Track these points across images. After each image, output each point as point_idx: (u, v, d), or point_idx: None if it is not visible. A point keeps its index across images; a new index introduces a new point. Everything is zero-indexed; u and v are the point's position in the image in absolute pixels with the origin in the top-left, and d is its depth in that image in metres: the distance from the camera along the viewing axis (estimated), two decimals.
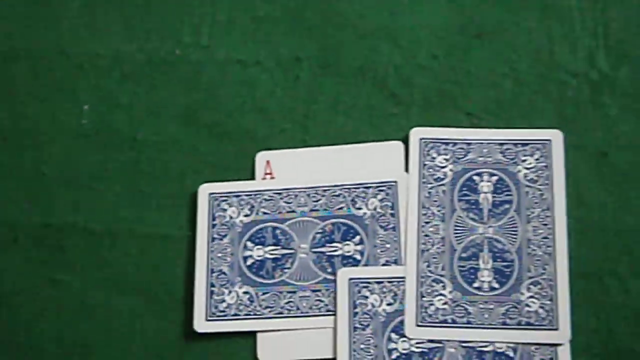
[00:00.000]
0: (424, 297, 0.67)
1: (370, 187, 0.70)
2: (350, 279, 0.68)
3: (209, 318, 0.69)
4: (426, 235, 0.68)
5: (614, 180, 0.69)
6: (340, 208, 0.70)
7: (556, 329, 0.66)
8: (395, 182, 0.70)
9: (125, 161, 0.73)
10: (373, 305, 0.68)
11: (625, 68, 0.71)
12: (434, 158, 0.70)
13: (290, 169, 0.71)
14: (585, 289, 0.67)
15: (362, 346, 0.67)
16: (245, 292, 0.69)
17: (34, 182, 0.73)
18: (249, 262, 0.69)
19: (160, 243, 0.71)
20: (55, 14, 0.76)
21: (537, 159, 0.69)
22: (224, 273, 0.69)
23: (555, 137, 0.69)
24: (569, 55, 0.71)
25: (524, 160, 0.69)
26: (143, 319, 0.70)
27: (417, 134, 0.71)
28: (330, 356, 0.68)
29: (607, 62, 0.71)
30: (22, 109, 0.75)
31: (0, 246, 0.72)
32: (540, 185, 0.69)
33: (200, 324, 0.69)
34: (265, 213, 0.70)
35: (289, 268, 0.69)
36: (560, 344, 0.66)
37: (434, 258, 0.68)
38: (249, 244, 0.70)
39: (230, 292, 0.69)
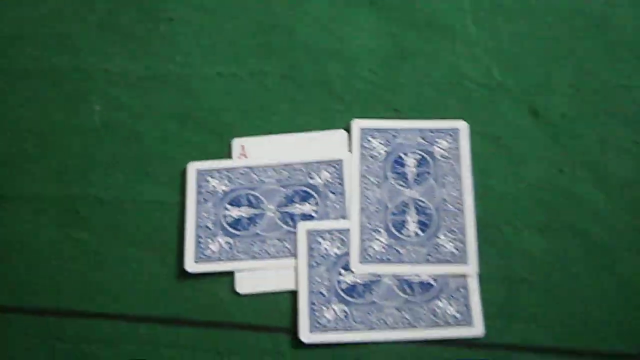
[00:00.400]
0: (364, 242, 0.85)
1: (322, 163, 0.88)
2: (308, 230, 0.86)
3: (197, 261, 0.85)
4: (366, 198, 0.87)
5: (507, 157, 0.88)
6: (300, 179, 0.88)
7: (467, 264, 0.84)
8: (341, 159, 0.88)
9: (129, 149, 0.90)
10: (326, 250, 0.85)
11: (513, 77, 0.91)
12: (370, 141, 0.89)
13: (260, 151, 0.89)
14: (488, 235, 0.85)
15: (317, 279, 0.84)
16: (227, 242, 0.86)
17: (59, 166, 0.90)
18: (229, 220, 0.87)
19: (158, 207, 0.87)
20: (72, 38, 0.94)
21: (449, 142, 0.88)
22: (209, 227, 0.86)
23: (462, 126, 0.89)
24: (471, 69, 0.91)
25: (438, 143, 0.89)
26: (145, 265, 0.86)
27: (357, 124, 0.89)
28: (293, 288, 0.84)
29: (500, 73, 0.91)
30: (47, 112, 0.91)
31: (33, 213, 0.88)
32: (452, 160, 0.88)
33: (190, 265, 0.85)
34: (240, 183, 0.88)
35: (259, 223, 0.87)
36: (470, 275, 0.84)
37: (372, 214, 0.87)
38: (228, 206, 0.87)
39: (213, 241, 0.86)
